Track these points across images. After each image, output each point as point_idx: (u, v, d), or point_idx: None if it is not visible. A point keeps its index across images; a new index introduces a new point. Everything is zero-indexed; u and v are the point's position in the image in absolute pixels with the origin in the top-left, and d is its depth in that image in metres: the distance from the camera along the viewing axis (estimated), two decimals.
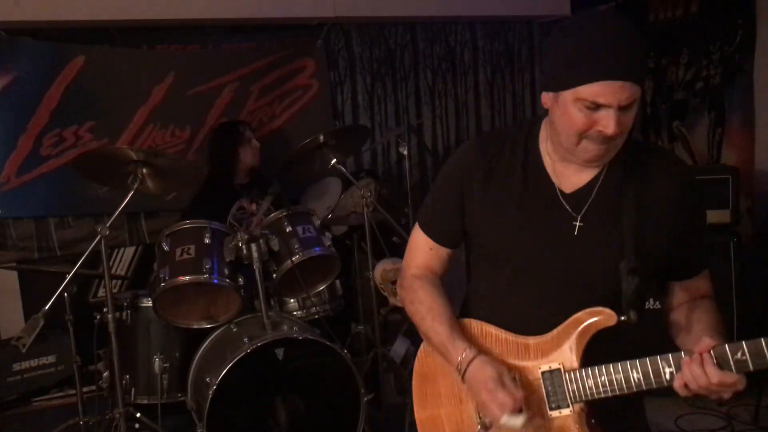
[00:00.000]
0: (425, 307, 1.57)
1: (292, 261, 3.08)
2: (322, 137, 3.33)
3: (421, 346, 1.64)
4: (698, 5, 4.28)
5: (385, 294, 3.73)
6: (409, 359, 3.68)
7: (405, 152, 3.90)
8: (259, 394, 2.85)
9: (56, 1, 3.71)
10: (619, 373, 1.35)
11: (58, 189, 4.04)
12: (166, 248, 3.06)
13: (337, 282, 3.46)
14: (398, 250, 3.74)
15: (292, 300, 3.41)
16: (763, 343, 1.24)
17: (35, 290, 3.97)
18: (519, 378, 1.44)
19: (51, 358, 3.89)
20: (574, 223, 1.45)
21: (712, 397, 1.32)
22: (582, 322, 1.40)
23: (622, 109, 1.36)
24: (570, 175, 1.48)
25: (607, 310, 1.39)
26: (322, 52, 4.61)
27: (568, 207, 1.46)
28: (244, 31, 4.40)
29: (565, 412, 1.40)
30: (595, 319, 1.39)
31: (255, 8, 4.11)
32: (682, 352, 1.32)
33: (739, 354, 1.26)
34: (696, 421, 3.25)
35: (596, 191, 1.45)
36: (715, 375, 1.27)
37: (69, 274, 2.79)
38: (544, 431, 1.41)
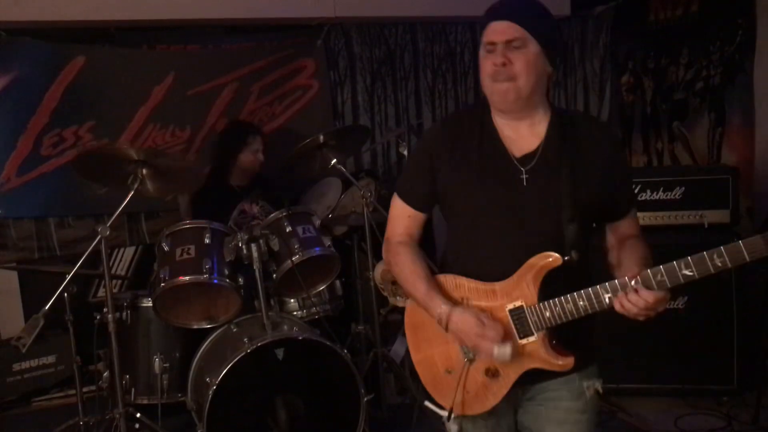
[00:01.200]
0: (408, 270, 1.83)
1: (292, 261, 3.08)
2: (322, 137, 3.34)
3: (408, 303, 1.92)
4: (698, 5, 4.28)
5: (385, 294, 3.73)
6: (409, 359, 3.68)
7: (405, 152, 3.90)
8: (259, 394, 2.85)
9: (56, 1, 3.71)
10: (569, 303, 1.63)
11: (58, 189, 4.04)
12: (166, 248, 3.06)
13: (337, 282, 3.46)
14: None
15: (292, 300, 3.41)
16: (675, 264, 1.53)
17: (35, 290, 3.96)
18: (491, 316, 1.70)
19: (51, 358, 3.89)
20: (521, 176, 1.70)
21: (644, 316, 1.58)
22: (534, 265, 1.66)
23: (509, 46, 1.64)
24: (518, 140, 1.74)
25: (554, 254, 1.64)
26: (322, 52, 4.61)
27: (518, 164, 1.72)
28: (244, 31, 4.40)
29: (531, 339, 1.68)
30: (544, 261, 1.65)
31: (255, 8, 4.11)
32: (616, 280, 1.61)
33: (658, 276, 1.54)
34: (696, 421, 3.25)
35: (539, 153, 1.72)
36: (650, 296, 1.54)
37: (69, 274, 2.80)
38: (517, 358, 1.69)
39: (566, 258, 1.64)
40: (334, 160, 3.33)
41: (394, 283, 3.73)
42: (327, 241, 3.26)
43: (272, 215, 3.26)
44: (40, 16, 3.70)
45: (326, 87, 4.66)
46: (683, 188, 3.47)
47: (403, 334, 3.77)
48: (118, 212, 2.87)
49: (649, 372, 3.44)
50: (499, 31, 1.66)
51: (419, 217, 1.89)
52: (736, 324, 3.36)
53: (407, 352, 3.67)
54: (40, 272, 3.91)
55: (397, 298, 3.72)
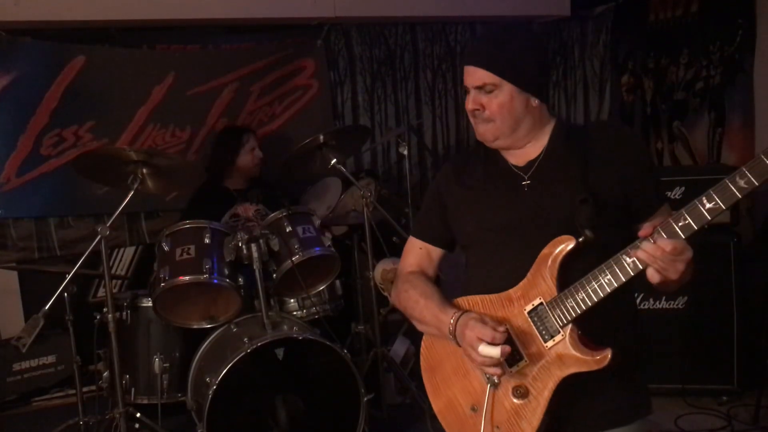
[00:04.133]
0: (419, 292, 1.75)
1: (292, 261, 3.08)
2: (322, 137, 3.33)
3: (423, 342, 1.77)
4: (698, 5, 4.28)
5: (385, 294, 3.73)
6: (409, 359, 3.68)
7: (405, 152, 3.90)
8: (259, 394, 2.85)
9: (56, 1, 3.71)
10: (591, 282, 1.47)
11: (58, 189, 4.04)
12: (166, 248, 3.06)
13: (337, 282, 3.46)
14: (398, 250, 3.73)
15: (292, 300, 3.41)
16: (696, 202, 1.36)
17: (35, 290, 3.96)
18: (510, 327, 1.55)
19: (51, 358, 3.89)
20: (523, 182, 1.66)
21: (673, 275, 1.41)
22: (548, 255, 1.54)
23: (481, 91, 1.63)
24: (520, 154, 1.70)
25: (564, 236, 1.52)
26: (322, 52, 4.61)
27: (519, 172, 1.68)
28: (244, 31, 4.40)
29: (558, 338, 1.51)
30: (558, 247, 1.53)
31: (255, 8, 4.11)
32: (637, 241, 1.43)
33: (681, 220, 1.38)
34: (696, 421, 3.25)
35: (541, 158, 1.67)
36: (667, 244, 1.37)
37: (69, 274, 2.80)
38: (547, 366, 1.52)
39: (580, 239, 1.50)
40: (334, 160, 3.33)
41: (395, 282, 3.73)
42: (327, 241, 3.26)
43: (272, 215, 3.26)
44: (40, 16, 3.70)
45: (326, 87, 4.66)
46: (683, 188, 3.46)
47: (404, 334, 3.80)
48: (118, 212, 2.87)
49: (649, 371, 3.43)
50: (470, 75, 1.65)
51: (430, 250, 1.85)
52: (736, 324, 3.36)
53: (407, 351, 3.69)
54: (40, 272, 3.91)
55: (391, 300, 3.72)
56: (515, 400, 1.55)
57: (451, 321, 1.60)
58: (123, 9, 3.82)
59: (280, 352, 2.84)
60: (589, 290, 1.47)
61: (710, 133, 4.28)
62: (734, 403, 3.34)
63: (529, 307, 1.55)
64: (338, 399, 2.93)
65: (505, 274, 1.62)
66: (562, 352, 1.50)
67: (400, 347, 3.70)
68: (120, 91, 4.09)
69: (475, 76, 1.63)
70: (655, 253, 1.38)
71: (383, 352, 3.45)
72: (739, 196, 1.32)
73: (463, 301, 1.69)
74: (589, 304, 1.47)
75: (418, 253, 1.86)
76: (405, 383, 3.49)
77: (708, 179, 3.56)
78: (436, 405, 1.73)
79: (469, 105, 1.66)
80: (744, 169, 1.31)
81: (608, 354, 1.47)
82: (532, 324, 1.54)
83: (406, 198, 4.11)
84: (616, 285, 1.45)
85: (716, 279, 3.32)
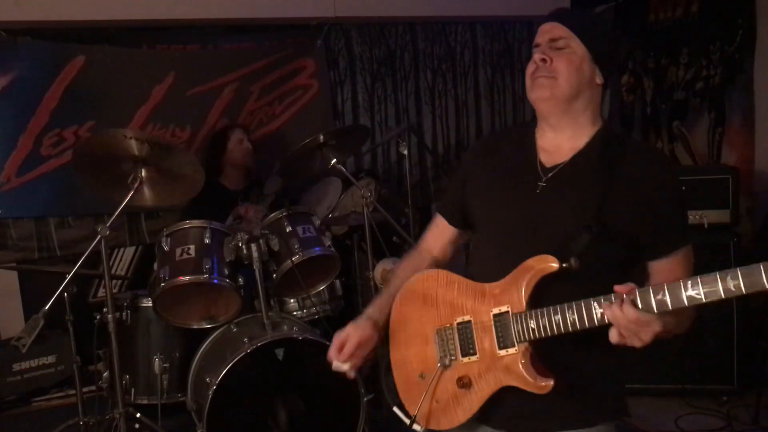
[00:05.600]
0: (396, 276, 1.87)
1: (292, 261, 3.08)
2: (322, 137, 3.33)
3: (398, 295, 1.82)
4: (698, 5, 4.27)
5: None
6: None
7: (405, 152, 3.90)
8: (259, 394, 2.85)
9: (56, 1, 3.71)
10: (558, 314, 1.45)
11: (58, 189, 4.04)
12: (166, 248, 3.06)
13: (337, 282, 3.46)
14: (398, 250, 3.74)
15: (292, 300, 3.41)
16: (680, 283, 1.33)
17: (35, 290, 3.97)
18: (474, 320, 1.59)
19: (51, 358, 3.89)
20: (538, 183, 1.61)
21: (636, 342, 1.39)
22: (529, 269, 1.52)
23: (552, 46, 1.58)
24: (553, 152, 1.64)
25: (550, 257, 1.49)
26: (322, 52, 4.61)
27: (540, 173, 1.62)
28: (244, 31, 4.40)
29: (511, 351, 1.52)
30: (539, 265, 1.50)
31: (255, 8, 4.12)
32: (612, 294, 1.39)
33: (660, 294, 1.34)
34: (696, 421, 3.25)
35: (566, 164, 1.61)
36: (632, 313, 1.34)
37: (69, 274, 2.79)
38: (494, 370, 1.55)
39: (564, 264, 1.47)
40: (334, 160, 3.33)
41: None
42: (327, 241, 3.26)
43: (272, 215, 3.26)
44: (40, 16, 3.70)
45: (326, 87, 4.66)
46: (683, 188, 3.46)
47: None
48: (118, 212, 2.87)
49: (649, 372, 3.44)
50: (543, 31, 1.62)
51: (445, 228, 1.86)
52: (736, 324, 3.36)
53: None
54: (40, 272, 3.91)
55: None
56: (458, 388, 1.60)
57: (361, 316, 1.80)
58: (123, 9, 3.82)
59: (280, 353, 2.84)
60: (553, 321, 1.45)
61: (710, 133, 4.28)
62: (734, 403, 3.34)
63: (496, 311, 1.55)
64: (338, 399, 2.93)
65: (494, 268, 1.60)
66: (510, 365, 1.52)
67: None
68: (120, 91, 4.10)
69: (550, 31, 1.60)
70: (617, 318, 1.36)
71: (383, 353, 3.45)
72: (723, 296, 1.30)
73: (442, 275, 1.70)
74: (549, 334, 1.47)
75: (434, 230, 1.89)
76: None
77: (708, 179, 3.58)
78: (393, 356, 1.82)
79: (538, 56, 1.58)
80: (738, 272, 1.27)
81: (550, 384, 1.47)
82: (493, 327, 1.55)
83: (406, 198, 4.11)
84: (578, 327, 1.43)
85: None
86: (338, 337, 1.77)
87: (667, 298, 1.34)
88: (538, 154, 1.65)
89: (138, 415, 3.02)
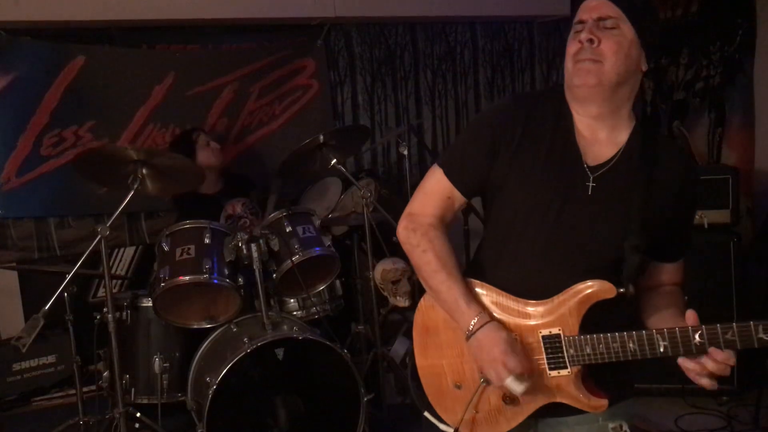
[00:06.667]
0: (440, 263, 1.58)
1: (292, 261, 3.08)
2: (322, 137, 3.33)
3: (423, 298, 1.67)
4: (698, 5, 4.28)
5: (385, 294, 3.73)
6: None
7: (405, 152, 3.90)
8: (259, 394, 2.84)
9: (56, 1, 3.70)
10: (617, 342, 1.43)
11: (58, 189, 4.04)
12: (166, 248, 3.06)
13: (337, 282, 3.46)
14: (398, 250, 3.74)
15: (292, 300, 3.41)
16: (751, 325, 1.33)
17: (35, 290, 3.96)
18: (519, 340, 1.51)
19: (51, 358, 3.89)
20: (587, 183, 1.50)
21: (708, 382, 1.41)
22: (582, 292, 1.46)
23: (599, 25, 1.46)
24: (594, 144, 1.54)
25: (608, 284, 1.45)
26: (322, 52, 4.61)
27: (587, 170, 1.51)
28: (244, 31, 4.39)
29: (564, 372, 1.49)
30: (595, 290, 1.46)
31: (255, 8, 4.11)
32: (676, 328, 1.40)
33: (728, 334, 1.35)
34: (696, 421, 3.25)
35: (614, 162, 1.51)
36: (730, 359, 1.37)
37: (69, 274, 2.79)
38: (542, 389, 1.51)
39: (621, 290, 1.44)
40: (334, 160, 3.33)
41: (395, 282, 3.73)
42: (327, 241, 3.26)
43: (272, 215, 3.26)
44: (40, 16, 3.70)
45: (326, 87, 4.66)
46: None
47: (404, 334, 3.80)
48: (118, 212, 2.87)
49: (649, 372, 3.44)
50: (590, 8, 1.47)
51: (459, 201, 1.64)
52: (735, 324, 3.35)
53: (407, 351, 3.68)
54: (40, 272, 3.90)
55: (397, 298, 3.72)
56: (502, 403, 1.55)
57: (474, 322, 1.51)
58: (123, 9, 3.82)
59: (280, 352, 2.84)
60: (611, 348, 1.43)
61: (710, 133, 4.28)
62: (734, 403, 3.34)
63: (545, 332, 1.49)
64: (338, 399, 2.93)
65: (521, 273, 1.52)
66: (563, 385, 1.50)
67: (400, 347, 3.70)
68: (120, 91, 4.09)
69: (598, 8, 1.46)
70: (724, 371, 1.38)
71: (383, 353, 3.45)
72: None
73: (476, 287, 1.57)
74: (606, 360, 1.45)
75: (444, 203, 1.63)
76: (405, 383, 3.49)
77: (708, 179, 3.58)
78: (420, 362, 1.66)
79: (584, 36, 1.45)
80: None
81: (605, 403, 1.48)
82: (543, 348, 1.50)
83: (406, 198, 4.10)
84: (639, 357, 1.42)
85: (716, 279, 3.32)
86: (521, 365, 1.48)
87: (737, 338, 1.36)
88: (579, 143, 1.53)
89: (138, 414, 3.02)
